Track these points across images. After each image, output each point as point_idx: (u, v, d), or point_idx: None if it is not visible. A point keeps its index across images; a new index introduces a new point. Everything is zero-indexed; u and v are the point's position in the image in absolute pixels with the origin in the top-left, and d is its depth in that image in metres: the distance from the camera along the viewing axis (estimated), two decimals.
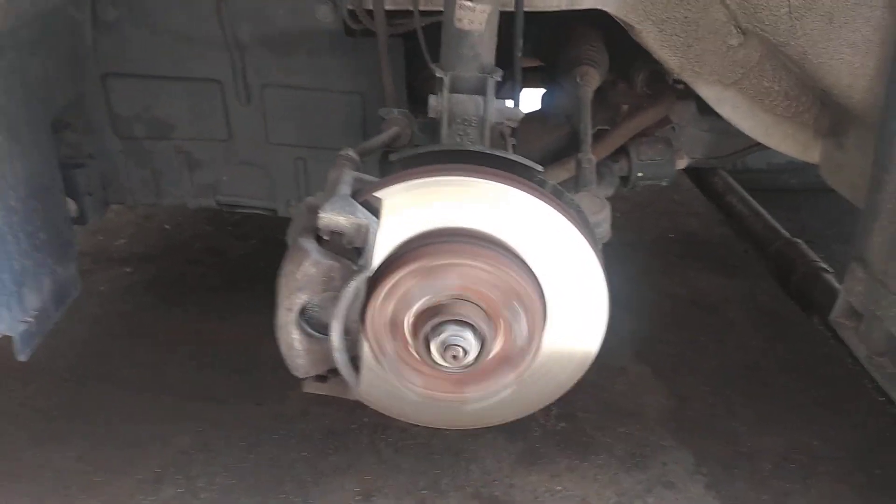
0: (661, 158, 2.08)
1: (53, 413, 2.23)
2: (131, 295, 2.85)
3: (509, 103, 1.55)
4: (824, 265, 3.06)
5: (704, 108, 2.30)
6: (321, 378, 1.45)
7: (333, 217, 1.27)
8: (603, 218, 1.55)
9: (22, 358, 1.46)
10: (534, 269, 1.37)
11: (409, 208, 1.34)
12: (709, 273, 3.02)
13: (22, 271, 1.48)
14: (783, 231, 3.36)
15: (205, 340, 2.55)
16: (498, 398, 1.43)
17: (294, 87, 1.92)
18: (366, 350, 1.44)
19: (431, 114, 1.51)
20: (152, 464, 2.05)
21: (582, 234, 1.37)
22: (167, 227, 3.35)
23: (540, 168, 1.38)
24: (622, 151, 2.12)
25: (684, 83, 2.05)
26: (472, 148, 1.39)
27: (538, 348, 1.39)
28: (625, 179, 2.13)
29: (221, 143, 2.01)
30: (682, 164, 2.13)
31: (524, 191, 1.33)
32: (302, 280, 1.32)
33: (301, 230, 1.34)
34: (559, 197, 1.41)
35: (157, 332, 2.61)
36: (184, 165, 2.02)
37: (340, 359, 1.36)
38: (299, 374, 1.40)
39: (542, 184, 1.40)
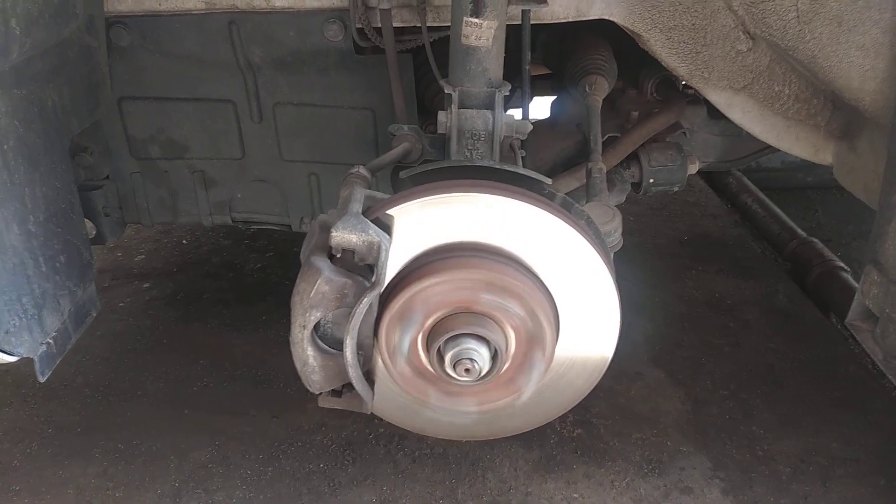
0: (672, 164, 2.09)
1: (75, 429, 2.26)
2: (151, 310, 2.89)
3: (518, 116, 1.57)
4: (841, 264, 3.05)
5: (715, 113, 2.30)
6: (336, 393, 1.47)
7: (345, 235, 1.29)
8: (614, 227, 1.56)
9: (41, 379, 1.49)
10: (544, 281, 1.39)
11: (420, 224, 1.36)
12: (724, 275, 3.02)
13: (42, 294, 1.51)
14: (799, 230, 3.36)
15: (224, 354, 2.58)
16: (514, 407, 1.44)
17: (306, 105, 1.94)
18: (379, 364, 1.46)
19: (441, 129, 1.53)
20: (172, 478, 2.08)
21: (591, 244, 1.38)
22: (185, 242, 3.39)
23: (549, 181, 1.39)
24: (633, 158, 2.12)
25: (694, 88, 2.06)
26: (480, 163, 1.41)
27: (552, 356, 1.41)
28: (637, 186, 2.14)
29: (235, 161, 2.04)
30: (693, 168, 2.13)
31: (533, 204, 1.34)
32: (315, 298, 1.34)
33: (314, 248, 1.37)
34: (568, 209, 1.42)
35: (176, 347, 2.64)
36: (199, 184, 2.05)
37: (354, 374, 1.38)
38: (314, 389, 1.42)
39: (551, 196, 1.41)
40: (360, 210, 1.34)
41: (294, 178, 2.04)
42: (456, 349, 1.35)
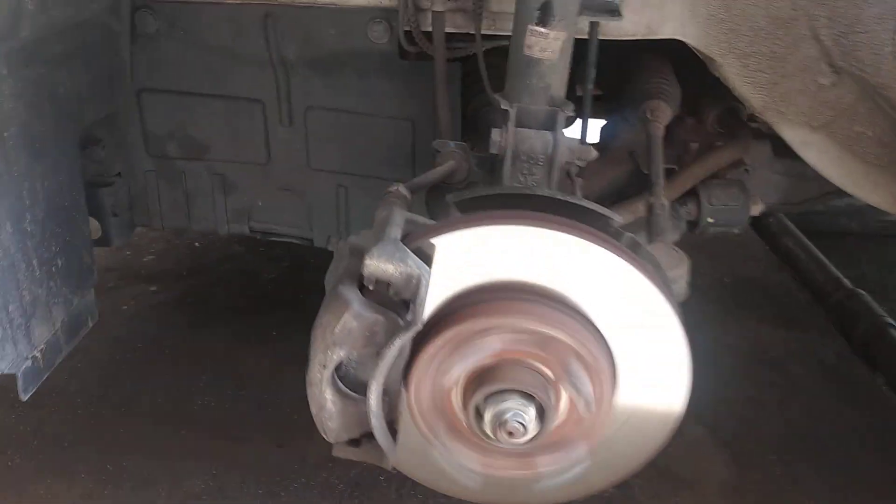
0: (734, 203, 1.90)
1: (62, 443, 2.09)
2: (156, 314, 2.73)
3: (578, 139, 1.38)
4: (890, 320, 2.85)
5: (780, 150, 2.12)
6: (354, 442, 1.29)
7: (381, 265, 1.12)
8: (680, 274, 1.38)
9: (23, 397, 1.32)
10: (603, 330, 1.21)
11: (467, 257, 1.19)
12: (769, 324, 2.81)
13: (33, 302, 1.34)
14: (845, 280, 3.15)
15: (229, 369, 2.41)
16: (571, 473, 1.25)
17: (340, 111, 1.78)
18: (406, 416, 1.28)
19: (493, 149, 1.35)
20: None
21: (661, 293, 1.20)
22: (197, 245, 3.23)
23: (618, 218, 1.21)
24: (691, 194, 1.94)
25: (759, 122, 1.88)
26: (540, 192, 1.22)
27: (609, 413, 1.22)
28: (692, 224, 1.95)
29: (259, 166, 1.87)
30: (756, 210, 1.95)
31: (598, 244, 1.16)
32: (341, 335, 1.16)
33: (342, 276, 1.19)
34: (636, 251, 1.23)
35: (179, 357, 2.47)
36: (218, 188, 1.89)
37: (377, 424, 1.20)
38: (330, 438, 1.24)
39: (617, 235, 1.23)
40: (400, 236, 1.17)
41: (321, 189, 1.87)
42: (498, 407, 1.17)
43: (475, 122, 1.85)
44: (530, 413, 1.17)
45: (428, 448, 1.28)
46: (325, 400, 1.22)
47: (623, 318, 1.20)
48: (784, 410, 2.37)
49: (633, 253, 1.21)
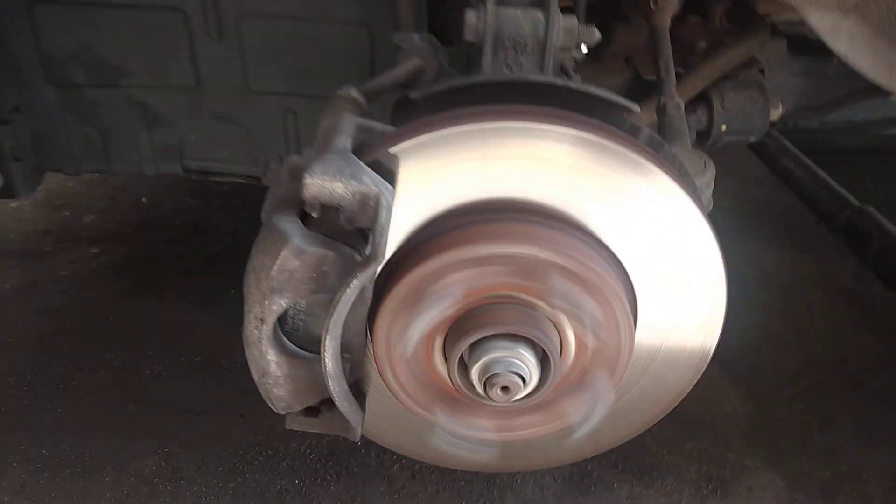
0: (751, 107, 1.63)
1: None
2: (97, 281, 2.43)
3: (575, 18, 1.09)
4: None
5: (796, 48, 1.85)
6: (312, 411, 1.03)
7: (326, 183, 0.84)
8: (706, 182, 1.11)
9: None
10: (618, 249, 0.95)
11: (441, 170, 0.91)
12: (778, 248, 2.58)
13: None
14: (851, 198, 2.93)
15: (182, 337, 2.13)
16: (597, 415, 1.00)
17: (280, 17, 1.48)
18: (376, 376, 1.02)
19: (468, 36, 1.05)
20: (107, 496, 1.65)
21: (693, 201, 0.94)
22: (144, 200, 2.92)
23: (635, 108, 0.93)
24: (701, 99, 1.66)
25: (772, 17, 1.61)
26: (533, 78, 0.93)
27: (630, 336, 0.97)
28: (704, 134, 1.68)
29: (187, 91, 1.58)
30: (776, 114, 1.68)
31: (611, 141, 0.89)
32: (279, 278, 0.89)
33: (278, 204, 0.91)
34: (658, 150, 0.96)
35: (124, 327, 2.18)
36: (139, 121, 1.59)
37: (337, 389, 0.94)
38: (278, 409, 0.98)
39: (634, 132, 0.95)
40: (350, 147, 0.89)
41: (265, 115, 1.58)
42: (490, 357, 0.91)
43: (447, 25, 1.55)
44: (527, 359, 0.91)
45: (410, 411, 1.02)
46: (269, 363, 0.96)
47: (644, 232, 0.94)
48: (801, 340, 2.16)
49: (654, 153, 0.94)
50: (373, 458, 1.74)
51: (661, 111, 1.29)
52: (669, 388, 1.09)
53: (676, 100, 1.30)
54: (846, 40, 1.50)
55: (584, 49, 1.10)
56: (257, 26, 1.48)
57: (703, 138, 1.69)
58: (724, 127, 1.64)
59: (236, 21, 1.48)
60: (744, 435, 1.85)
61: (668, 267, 0.96)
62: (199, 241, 2.65)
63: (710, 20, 1.75)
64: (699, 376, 1.10)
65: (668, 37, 1.47)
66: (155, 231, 2.71)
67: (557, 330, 0.95)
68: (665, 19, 1.50)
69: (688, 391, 1.12)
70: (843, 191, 3.03)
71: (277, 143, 1.59)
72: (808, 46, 1.86)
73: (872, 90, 1.81)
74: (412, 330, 0.94)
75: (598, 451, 1.20)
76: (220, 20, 1.48)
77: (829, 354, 2.11)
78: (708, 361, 1.09)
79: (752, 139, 1.69)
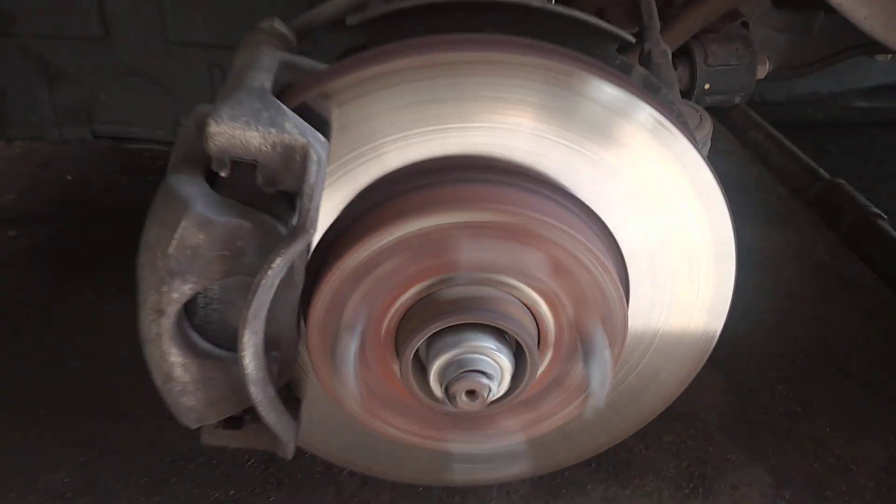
0: (736, 63, 1.46)
1: None
2: (15, 266, 2.18)
3: None
4: (877, 210, 2.55)
5: (780, 1, 1.70)
6: (233, 422, 0.84)
7: (237, 132, 0.65)
8: (703, 137, 0.95)
9: None
10: (604, 213, 0.79)
11: (389, 117, 0.72)
12: (751, 223, 2.45)
13: None
14: (822, 171, 2.84)
15: (104, 329, 1.90)
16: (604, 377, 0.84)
17: None
18: (313, 379, 0.83)
19: None
20: None
21: (696, 150, 0.77)
22: (69, 178, 2.66)
23: (630, 38, 0.76)
24: (681, 54, 1.50)
25: None
26: None
27: (624, 335, 0.82)
28: (685, 94, 1.51)
29: (95, 42, 1.35)
30: (763, 71, 1.52)
31: (599, 76, 0.71)
32: (180, 256, 0.69)
33: (179, 161, 0.72)
34: (655, 93, 0.79)
35: (39, 319, 1.95)
36: (38, 77, 1.36)
37: (261, 394, 0.75)
38: (188, 422, 0.79)
39: (626, 69, 0.78)
40: (270, 87, 0.69)
41: (187, 70, 1.38)
42: (447, 356, 0.73)
43: None
44: (492, 351, 0.74)
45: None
46: (172, 365, 0.76)
47: (639, 191, 0.77)
48: (782, 322, 2.03)
49: (652, 95, 0.76)
50: (319, 464, 1.55)
51: (646, 60, 1.12)
52: (669, 377, 0.94)
53: (663, 46, 1.13)
54: None
55: None
56: None
57: (684, 98, 1.53)
58: (707, 85, 1.48)
59: None
60: (726, 427, 1.71)
61: (668, 236, 0.80)
62: (129, 222, 2.37)
63: None
64: (703, 361, 0.95)
65: None
66: (80, 211, 2.46)
67: (531, 311, 0.78)
68: None
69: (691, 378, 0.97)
70: (813, 163, 2.94)
71: (202, 102, 1.38)
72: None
73: (861, 48, 1.68)
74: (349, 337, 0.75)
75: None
76: None
77: (810, 337, 1.99)
78: (713, 344, 0.94)
79: (738, 100, 1.54)
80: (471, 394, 0.73)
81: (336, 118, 0.71)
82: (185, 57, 1.36)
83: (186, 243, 0.68)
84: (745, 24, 1.63)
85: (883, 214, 2.53)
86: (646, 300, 0.87)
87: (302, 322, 0.80)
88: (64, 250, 2.26)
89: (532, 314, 0.79)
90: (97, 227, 2.39)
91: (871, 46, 1.80)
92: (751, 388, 1.81)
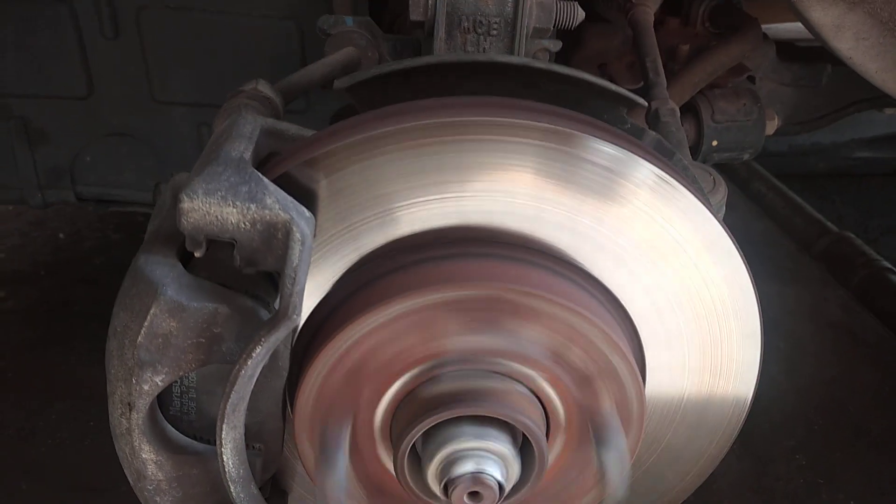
0: (745, 119, 1.41)
1: None
2: (1, 328, 2.10)
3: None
4: (887, 264, 2.49)
5: (785, 54, 1.66)
6: None
7: (212, 208, 0.59)
8: (717, 202, 0.89)
9: None
10: (618, 291, 0.72)
11: (380, 186, 0.66)
12: (760, 280, 2.37)
13: None
14: (829, 224, 2.78)
15: (91, 395, 1.82)
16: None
17: (189, 9, 1.22)
18: (299, 467, 0.76)
19: (415, 15, 0.81)
20: None
21: (714, 217, 0.71)
22: (61, 236, 2.61)
23: (642, 102, 0.70)
24: (687, 110, 1.45)
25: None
26: (503, 59, 0.69)
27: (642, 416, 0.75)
28: (691, 151, 1.46)
29: (78, 102, 1.31)
30: (772, 127, 1.47)
31: (615, 144, 0.65)
32: (150, 346, 0.62)
33: (149, 240, 0.65)
34: (668, 157, 0.73)
35: (24, 384, 1.88)
36: (19, 139, 1.31)
37: (242, 493, 0.67)
38: None
39: (637, 133, 0.72)
40: (250, 157, 0.63)
41: (174, 130, 1.32)
42: (445, 452, 0.66)
43: (395, 9, 1.30)
44: (496, 446, 0.66)
45: None
46: (144, 463, 0.68)
47: (656, 263, 0.70)
48: (796, 382, 1.94)
49: (667, 160, 0.70)
50: None
51: (654, 119, 1.06)
52: (695, 454, 0.86)
53: (671, 104, 1.08)
54: (852, 38, 1.31)
55: (555, 47, 0.86)
56: (161, 21, 1.24)
57: (691, 155, 1.47)
58: (714, 142, 1.43)
59: (136, 14, 1.23)
60: (741, 497, 1.62)
61: (677, 293, 0.74)
62: (119, 281, 2.33)
63: (691, 23, 1.55)
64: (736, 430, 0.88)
65: (654, 33, 1.25)
66: (70, 272, 2.40)
67: (536, 395, 0.70)
68: (648, 14, 1.29)
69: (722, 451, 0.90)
70: (819, 216, 2.88)
71: (190, 163, 1.33)
72: (798, 53, 1.69)
73: (870, 101, 1.64)
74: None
75: None
76: (116, 15, 1.22)
77: (826, 398, 1.90)
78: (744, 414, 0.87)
79: (746, 157, 1.48)
80: (474, 496, 0.66)
81: (324, 189, 0.65)
82: (171, 116, 1.31)
83: (157, 331, 0.61)
84: (751, 79, 1.60)
85: (893, 268, 2.47)
86: (663, 366, 0.80)
87: (288, 410, 0.73)
88: (49, 312, 2.19)
89: (537, 397, 0.71)
90: (85, 286, 2.32)
91: (879, 100, 1.76)
92: (767, 454, 1.73)
